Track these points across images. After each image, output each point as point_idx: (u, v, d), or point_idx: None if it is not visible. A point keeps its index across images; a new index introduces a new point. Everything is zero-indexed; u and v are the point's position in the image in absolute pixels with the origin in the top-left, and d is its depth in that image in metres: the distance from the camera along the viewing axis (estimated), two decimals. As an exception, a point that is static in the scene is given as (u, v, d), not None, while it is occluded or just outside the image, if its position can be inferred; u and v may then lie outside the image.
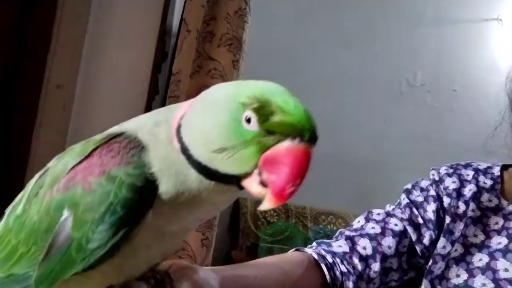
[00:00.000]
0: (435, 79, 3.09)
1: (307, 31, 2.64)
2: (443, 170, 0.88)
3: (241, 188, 0.39)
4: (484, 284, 0.75)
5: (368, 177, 2.86)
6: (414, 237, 0.82)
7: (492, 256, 0.77)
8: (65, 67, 1.56)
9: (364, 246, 0.79)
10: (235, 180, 0.38)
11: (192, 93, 1.56)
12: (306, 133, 0.38)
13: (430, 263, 0.81)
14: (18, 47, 1.49)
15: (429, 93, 3.08)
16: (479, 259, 0.78)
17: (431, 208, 0.84)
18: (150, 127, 0.40)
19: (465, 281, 0.76)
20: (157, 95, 1.86)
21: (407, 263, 0.83)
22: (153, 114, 0.43)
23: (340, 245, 0.79)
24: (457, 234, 0.81)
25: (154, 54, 1.76)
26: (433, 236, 0.82)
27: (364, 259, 0.78)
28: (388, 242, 0.80)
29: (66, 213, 0.37)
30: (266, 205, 0.37)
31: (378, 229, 0.81)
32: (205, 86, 0.44)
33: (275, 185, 0.36)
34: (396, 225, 0.82)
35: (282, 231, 2.40)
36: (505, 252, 0.77)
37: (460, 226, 0.81)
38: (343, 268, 0.76)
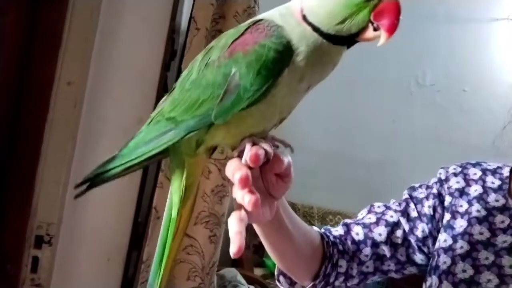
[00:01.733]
0: (445, 79, 3.07)
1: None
2: (451, 169, 0.91)
3: (349, 46, 0.55)
4: (489, 280, 0.78)
5: (376, 177, 2.86)
6: (407, 228, 0.87)
7: (497, 253, 0.80)
8: (76, 64, 1.57)
9: (357, 232, 0.87)
10: (353, 38, 0.54)
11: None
12: None
13: (435, 258, 0.84)
14: (29, 44, 1.50)
15: (438, 93, 3.07)
16: (485, 256, 0.80)
17: (428, 204, 0.89)
18: (279, 17, 0.56)
19: (471, 276, 0.79)
20: (166, 92, 1.86)
21: (406, 256, 0.87)
22: (274, 11, 0.58)
23: (337, 230, 0.88)
24: (457, 229, 0.84)
25: (163, 52, 1.77)
26: (426, 230, 0.87)
27: (356, 242, 0.86)
28: (380, 230, 0.87)
29: (234, 70, 0.55)
30: (383, 40, 0.52)
31: (373, 219, 0.89)
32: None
33: (387, 24, 0.52)
34: (391, 216, 0.89)
35: (289, 229, 2.40)
36: (510, 249, 0.79)
37: (461, 222, 0.84)
38: (340, 247, 0.84)
